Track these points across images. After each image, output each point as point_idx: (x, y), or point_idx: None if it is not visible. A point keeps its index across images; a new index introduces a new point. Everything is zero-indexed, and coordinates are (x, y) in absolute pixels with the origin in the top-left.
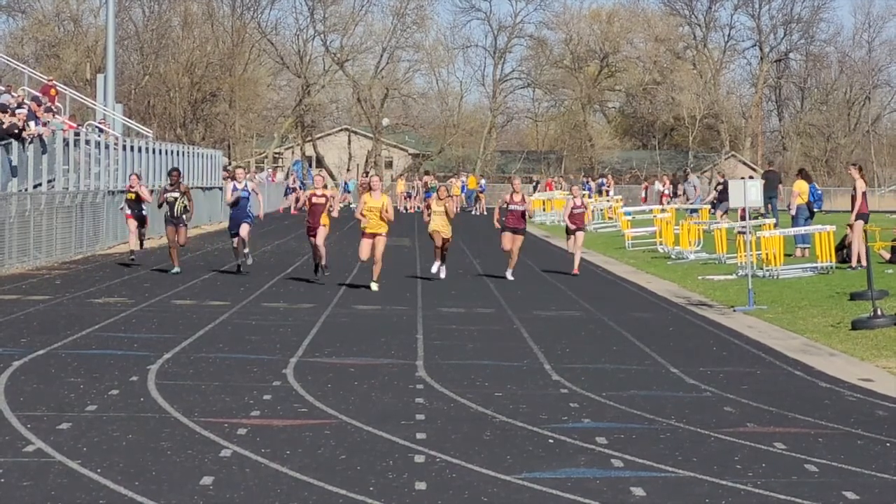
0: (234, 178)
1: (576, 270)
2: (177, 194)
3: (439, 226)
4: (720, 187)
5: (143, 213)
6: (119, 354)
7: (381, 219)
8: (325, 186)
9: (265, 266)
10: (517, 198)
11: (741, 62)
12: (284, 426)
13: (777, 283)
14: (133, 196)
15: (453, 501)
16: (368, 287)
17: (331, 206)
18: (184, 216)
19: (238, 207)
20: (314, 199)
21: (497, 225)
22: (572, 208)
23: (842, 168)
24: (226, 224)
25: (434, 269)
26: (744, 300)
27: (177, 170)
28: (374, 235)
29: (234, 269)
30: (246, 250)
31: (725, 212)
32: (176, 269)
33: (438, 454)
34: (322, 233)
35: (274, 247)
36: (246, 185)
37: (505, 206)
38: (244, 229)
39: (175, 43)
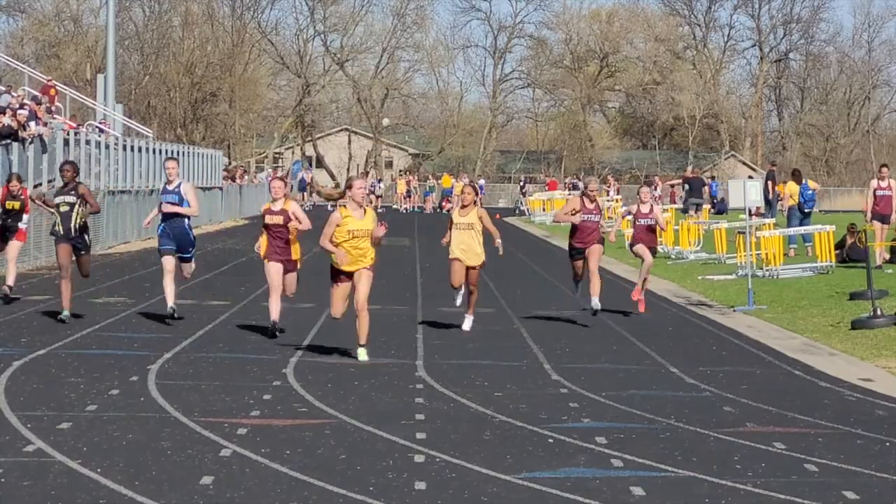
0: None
1: (636, 295)
2: (73, 199)
3: (463, 251)
4: (686, 186)
5: (24, 226)
6: (119, 354)
7: (367, 246)
8: (286, 197)
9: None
10: (591, 205)
11: (741, 62)
12: (284, 426)
13: (777, 282)
14: (17, 205)
15: (453, 501)
16: (351, 355)
17: (296, 227)
18: (85, 235)
19: (171, 221)
20: (268, 219)
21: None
22: (635, 216)
23: (841, 168)
24: (227, 224)
25: (458, 298)
26: (744, 300)
27: (71, 163)
28: (350, 275)
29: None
30: (170, 304)
31: (697, 208)
32: (65, 313)
33: (438, 454)
34: (290, 280)
35: None
36: (179, 187)
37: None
38: (186, 270)
39: (175, 43)
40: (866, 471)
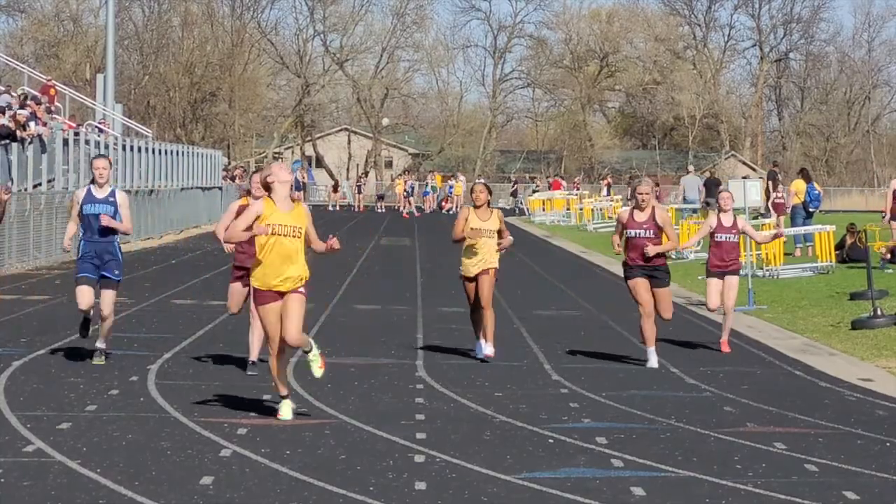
0: (92, 182)
1: (724, 341)
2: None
3: (482, 263)
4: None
5: None
6: (119, 354)
7: (296, 255)
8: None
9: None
10: (643, 217)
11: (741, 62)
12: (284, 426)
13: (777, 282)
14: None
15: (453, 501)
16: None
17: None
18: None
19: (99, 239)
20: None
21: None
22: (713, 231)
23: (842, 168)
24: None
25: (481, 352)
26: (744, 300)
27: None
28: (279, 295)
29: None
30: (101, 345)
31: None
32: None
33: (438, 454)
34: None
35: None
36: (113, 195)
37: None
38: (107, 299)
39: (175, 43)
40: (867, 471)
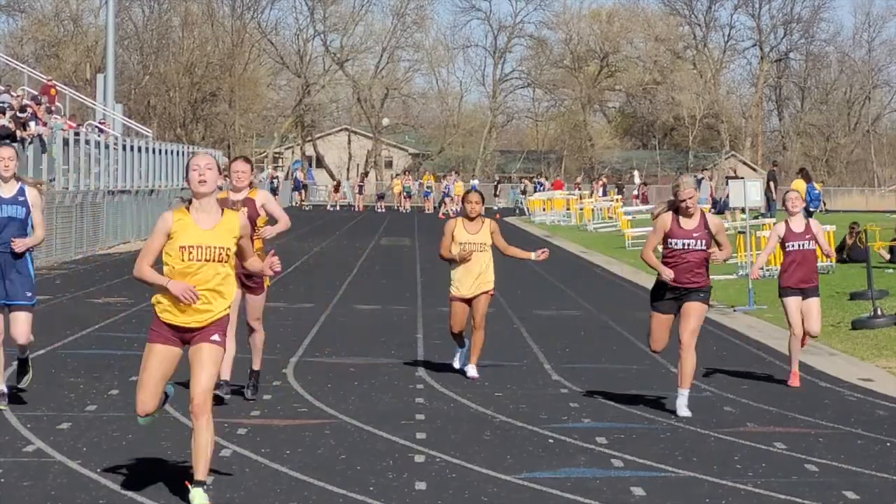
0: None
1: (794, 375)
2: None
3: (473, 282)
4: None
5: None
6: (119, 354)
7: (222, 285)
8: (251, 186)
9: None
10: (691, 225)
11: (741, 62)
12: (284, 426)
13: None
14: None
15: (453, 501)
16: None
17: (268, 231)
18: None
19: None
20: None
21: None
22: (783, 238)
23: (842, 168)
24: None
25: (463, 363)
26: (744, 300)
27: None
28: (184, 336)
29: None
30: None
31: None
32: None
33: (438, 454)
34: (256, 303)
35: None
36: (21, 194)
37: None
38: (20, 325)
39: (175, 43)
40: (867, 471)
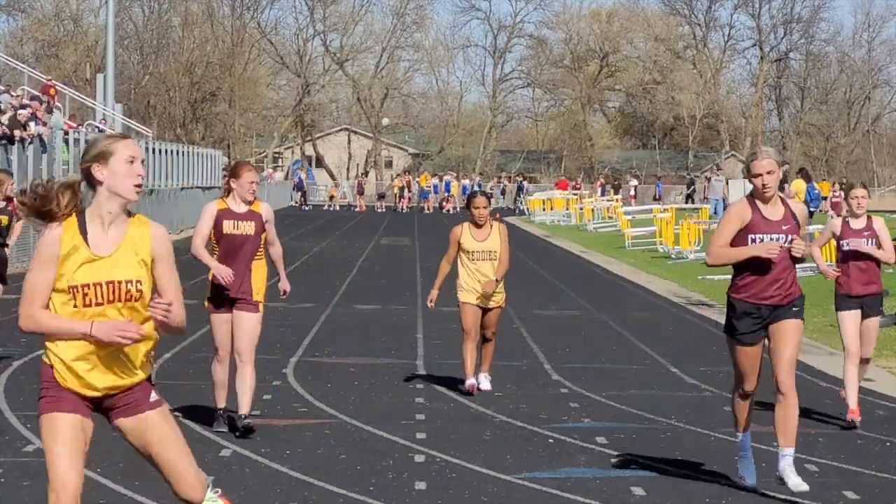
0: None
1: (852, 410)
2: None
3: (480, 291)
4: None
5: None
6: None
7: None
8: (252, 184)
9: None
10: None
11: (741, 62)
12: (284, 426)
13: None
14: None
15: (453, 501)
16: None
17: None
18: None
19: None
20: (226, 229)
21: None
22: (839, 237)
23: (842, 167)
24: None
25: (469, 384)
26: None
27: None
28: (90, 405)
29: None
30: None
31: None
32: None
33: (438, 454)
34: (248, 325)
35: None
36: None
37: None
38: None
39: (175, 43)
40: (866, 471)
